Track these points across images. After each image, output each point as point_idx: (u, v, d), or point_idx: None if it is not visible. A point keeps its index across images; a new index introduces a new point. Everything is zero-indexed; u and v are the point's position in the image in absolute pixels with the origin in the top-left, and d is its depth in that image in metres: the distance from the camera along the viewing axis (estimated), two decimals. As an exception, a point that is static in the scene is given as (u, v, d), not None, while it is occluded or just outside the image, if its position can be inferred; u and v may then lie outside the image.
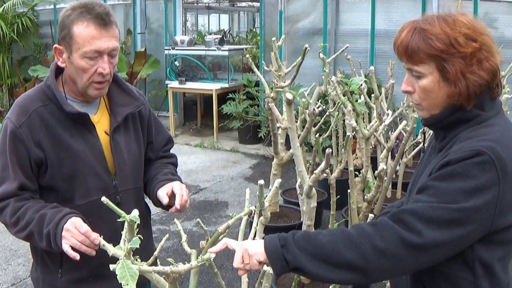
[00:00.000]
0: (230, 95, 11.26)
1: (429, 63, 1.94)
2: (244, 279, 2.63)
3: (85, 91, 2.51)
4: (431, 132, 2.47)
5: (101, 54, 2.42)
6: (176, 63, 12.25)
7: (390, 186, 5.82)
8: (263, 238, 2.05)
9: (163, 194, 2.62)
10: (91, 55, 2.40)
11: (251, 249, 1.97)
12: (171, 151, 3.03)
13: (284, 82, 4.58)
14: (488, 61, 1.92)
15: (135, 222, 1.60)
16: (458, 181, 1.82)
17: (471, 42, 1.90)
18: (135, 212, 1.61)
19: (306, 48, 3.67)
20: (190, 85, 11.84)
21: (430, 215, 1.81)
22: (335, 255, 1.86)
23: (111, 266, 1.58)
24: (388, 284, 2.77)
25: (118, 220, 1.63)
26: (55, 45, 2.48)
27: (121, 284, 1.53)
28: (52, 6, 13.32)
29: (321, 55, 4.16)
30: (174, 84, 11.84)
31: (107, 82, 2.53)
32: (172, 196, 2.62)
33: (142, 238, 1.64)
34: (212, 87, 11.42)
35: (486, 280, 1.93)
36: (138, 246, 1.59)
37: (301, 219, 4.64)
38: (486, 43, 1.94)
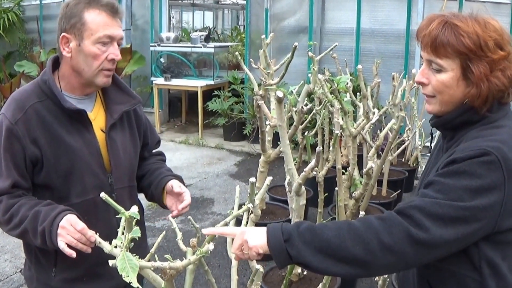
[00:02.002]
0: (216, 92, 11.26)
1: (454, 59, 1.93)
2: (234, 276, 2.64)
3: (93, 80, 2.50)
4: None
5: (112, 40, 2.46)
6: (162, 59, 12.23)
7: (375, 184, 5.86)
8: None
9: (174, 192, 2.69)
10: (104, 40, 2.43)
11: (251, 242, 1.96)
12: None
13: (273, 80, 4.60)
14: (510, 70, 1.93)
15: (134, 218, 1.60)
16: (464, 179, 1.83)
17: (499, 49, 1.91)
18: (135, 209, 1.61)
19: (295, 46, 3.69)
20: (176, 82, 11.82)
21: (437, 212, 1.82)
22: (341, 250, 1.86)
23: (111, 262, 1.58)
24: (380, 281, 2.80)
25: (117, 216, 1.63)
26: (62, 34, 2.47)
27: (115, 284, 1.54)
28: (38, 2, 13.22)
29: (310, 53, 4.17)
30: (159, 80, 11.82)
31: (113, 71, 2.56)
32: (174, 195, 2.68)
33: (139, 235, 1.65)
34: (197, 84, 11.41)
35: (493, 280, 1.93)
36: (139, 235, 1.60)
37: (289, 216, 4.66)
38: (511, 53, 1.94)
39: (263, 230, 1.98)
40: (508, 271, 1.97)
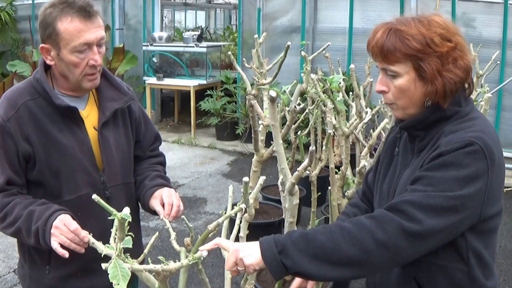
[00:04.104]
0: (208, 92, 11.25)
1: (405, 63, 1.99)
2: (227, 275, 2.64)
3: (79, 85, 2.50)
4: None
5: (90, 46, 2.42)
6: (154, 59, 12.23)
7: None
8: (248, 240, 2.03)
9: (158, 207, 2.60)
10: (80, 48, 2.39)
11: (247, 260, 1.95)
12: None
13: (266, 80, 4.59)
14: (462, 60, 1.99)
15: (126, 220, 1.59)
16: (451, 170, 1.88)
17: (446, 42, 1.97)
18: (127, 210, 1.60)
19: (288, 45, 3.69)
20: (168, 81, 11.83)
21: (429, 204, 1.86)
22: (337, 253, 1.86)
23: (103, 265, 1.57)
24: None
25: (109, 218, 1.62)
26: (41, 45, 2.46)
27: (108, 280, 1.53)
28: (30, 1, 13.18)
29: (303, 53, 4.17)
30: (152, 80, 11.83)
31: (99, 72, 2.53)
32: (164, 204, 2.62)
33: (133, 236, 1.64)
34: (190, 83, 11.42)
35: (479, 269, 2.00)
36: (130, 246, 1.59)
37: (282, 215, 4.66)
38: (459, 42, 2.00)
39: (256, 245, 1.98)
40: (491, 259, 2.05)
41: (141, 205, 2.81)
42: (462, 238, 1.96)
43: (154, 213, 2.67)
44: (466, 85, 2.07)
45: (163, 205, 2.60)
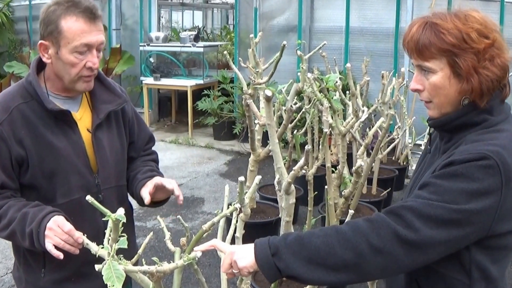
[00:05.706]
0: (205, 92, 11.24)
1: (440, 59, 1.90)
2: (224, 275, 2.63)
3: (73, 86, 2.49)
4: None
5: (90, 48, 2.42)
6: (151, 59, 12.23)
7: (365, 182, 5.86)
8: (245, 242, 2.01)
9: (145, 193, 2.59)
10: (81, 49, 2.39)
11: (241, 263, 1.92)
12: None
13: (262, 79, 4.59)
14: (499, 58, 1.90)
15: (120, 221, 1.59)
16: (460, 182, 1.80)
17: (483, 38, 1.88)
18: (121, 211, 1.59)
19: (284, 45, 3.68)
20: (165, 81, 11.84)
21: (429, 213, 1.79)
22: (331, 257, 1.82)
23: (97, 267, 1.57)
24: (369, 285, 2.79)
25: (103, 219, 1.61)
26: (40, 41, 2.44)
27: (102, 282, 1.53)
28: (27, 2, 13.18)
29: (299, 52, 4.17)
30: (149, 80, 11.84)
31: (94, 75, 2.52)
32: (155, 192, 2.61)
33: (126, 236, 1.63)
34: (187, 83, 11.45)
35: (481, 284, 1.92)
36: (126, 247, 1.59)
37: (279, 215, 4.65)
38: (497, 40, 1.91)
39: (251, 247, 1.95)
40: (499, 275, 1.96)
41: (133, 197, 2.80)
42: (466, 250, 1.89)
43: (143, 203, 2.66)
44: (503, 86, 1.96)
45: (151, 193, 2.60)
